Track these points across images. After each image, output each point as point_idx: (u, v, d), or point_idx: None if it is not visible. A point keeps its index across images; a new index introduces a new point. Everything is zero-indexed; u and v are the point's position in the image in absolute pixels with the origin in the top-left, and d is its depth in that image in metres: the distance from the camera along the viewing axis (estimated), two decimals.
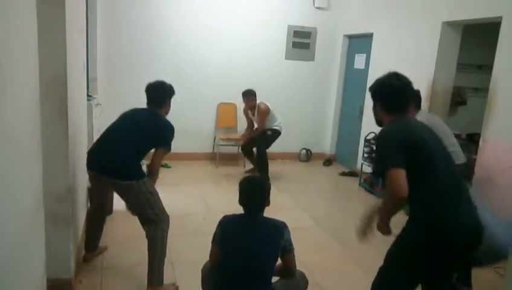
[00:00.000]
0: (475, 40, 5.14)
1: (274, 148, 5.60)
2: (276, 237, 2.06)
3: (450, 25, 4.37)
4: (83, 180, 3.21)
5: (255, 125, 5.60)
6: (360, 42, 6.19)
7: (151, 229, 2.65)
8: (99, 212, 3.04)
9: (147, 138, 2.75)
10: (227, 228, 2.12)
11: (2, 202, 1.31)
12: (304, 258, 3.31)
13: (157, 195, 2.72)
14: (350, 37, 6.47)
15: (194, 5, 5.78)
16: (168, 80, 2.94)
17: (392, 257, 2.05)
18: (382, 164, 1.95)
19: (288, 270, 2.15)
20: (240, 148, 5.83)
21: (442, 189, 1.91)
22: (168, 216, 2.73)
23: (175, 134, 2.81)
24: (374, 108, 2.13)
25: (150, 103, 2.89)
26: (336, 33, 6.51)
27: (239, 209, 2.12)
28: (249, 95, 5.38)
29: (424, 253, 1.91)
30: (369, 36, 5.74)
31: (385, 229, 2.06)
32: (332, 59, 6.63)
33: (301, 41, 6.42)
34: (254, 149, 5.51)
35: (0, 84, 1.27)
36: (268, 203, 2.13)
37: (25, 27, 1.59)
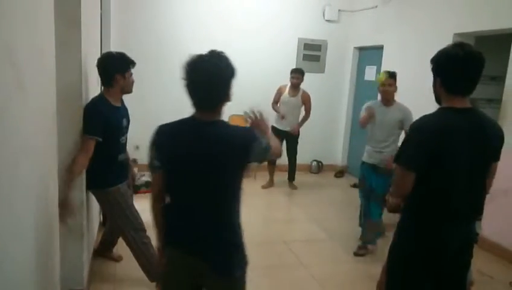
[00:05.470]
0: (488, 51, 5.08)
1: (285, 159, 5.60)
2: (242, 143, 1.55)
3: (461, 36, 4.35)
4: None
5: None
6: (370, 54, 6.20)
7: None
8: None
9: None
10: (163, 139, 1.60)
11: (19, 215, 1.33)
12: (316, 271, 3.30)
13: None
14: (360, 49, 6.49)
15: (204, 19, 5.86)
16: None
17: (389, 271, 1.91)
18: (397, 155, 1.72)
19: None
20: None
21: (447, 210, 1.71)
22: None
23: None
24: (434, 85, 1.78)
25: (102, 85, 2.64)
26: (346, 45, 6.54)
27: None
28: (300, 73, 5.41)
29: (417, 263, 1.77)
30: (379, 48, 5.75)
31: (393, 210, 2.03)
32: (342, 71, 6.65)
33: (311, 54, 6.46)
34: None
35: (20, 100, 1.30)
36: (228, 99, 1.65)
37: (44, 44, 1.64)
